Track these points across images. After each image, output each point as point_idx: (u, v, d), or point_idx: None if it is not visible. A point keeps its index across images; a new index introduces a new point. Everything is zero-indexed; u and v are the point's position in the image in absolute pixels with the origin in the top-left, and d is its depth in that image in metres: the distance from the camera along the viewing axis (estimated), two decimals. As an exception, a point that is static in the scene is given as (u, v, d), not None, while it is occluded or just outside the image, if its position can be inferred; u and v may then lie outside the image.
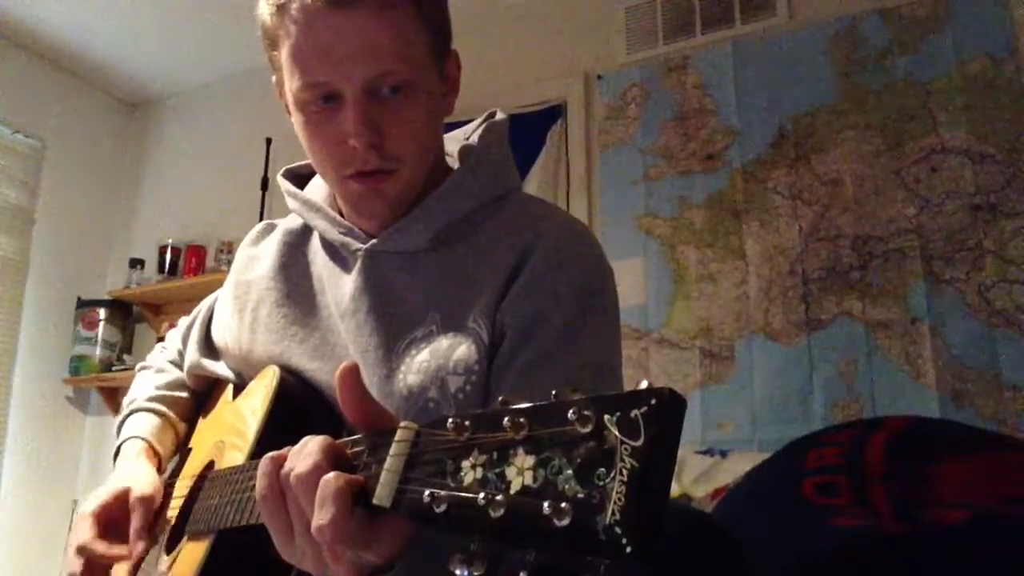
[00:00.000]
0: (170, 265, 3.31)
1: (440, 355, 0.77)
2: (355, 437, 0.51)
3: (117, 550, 0.82)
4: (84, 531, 0.83)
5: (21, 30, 3.18)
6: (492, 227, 0.84)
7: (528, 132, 2.69)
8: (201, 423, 1.01)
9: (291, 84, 0.78)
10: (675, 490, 1.94)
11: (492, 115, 0.93)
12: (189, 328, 1.07)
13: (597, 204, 2.59)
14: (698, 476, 1.94)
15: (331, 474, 0.47)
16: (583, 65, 2.74)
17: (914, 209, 2.16)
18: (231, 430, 0.84)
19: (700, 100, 2.52)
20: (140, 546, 0.82)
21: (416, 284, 0.82)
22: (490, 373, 0.76)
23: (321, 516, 0.46)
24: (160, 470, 0.97)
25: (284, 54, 0.77)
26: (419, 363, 0.77)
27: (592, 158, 2.65)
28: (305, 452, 0.50)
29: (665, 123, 2.55)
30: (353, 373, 0.52)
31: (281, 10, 0.76)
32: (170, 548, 0.83)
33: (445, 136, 0.92)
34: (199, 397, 1.04)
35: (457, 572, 0.38)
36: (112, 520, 0.85)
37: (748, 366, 2.25)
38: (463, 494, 0.38)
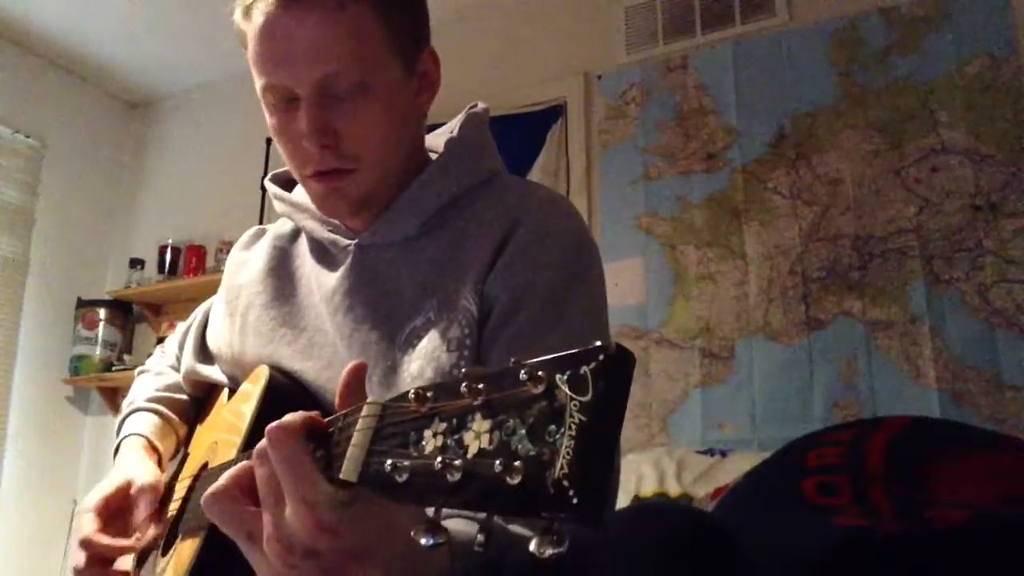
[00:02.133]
0: (170, 265, 3.31)
1: (436, 337, 0.78)
2: (328, 418, 0.51)
3: (121, 542, 0.82)
4: (87, 525, 0.83)
5: (21, 30, 3.18)
6: (479, 208, 0.85)
7: (528, 132, 2.69)
8: (199, 428, 1.01)
9: (256, 86, 0.79)
10: (675, 490, 1.93)
11: (473, 106, 0.95)
12: (185, 334, 1.08)
13: (597, 204, 2.59)
14: (698, 476, 1.94)
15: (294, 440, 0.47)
16: (583, 65, 2.73)
17: (914, 209, 2.16)
18: (225, 431, 0.85)
19: (700, 100, 2.52)
20: (150, 533, 0.83)
21: (410, 273, 0.83)
22: (481, 346, 0.77)
23: (294, 484, 0.46)
24: (160, 468, 0.97)
25: (248, 56, 0.79)
26: (419, 349, 0.78)
27: (592, 158, 2.65)
28: (278, 426, 0.49)
29: (665, 123, 2.55)
30: (359, 372, 0.51)
31: (244, 13, 0.78)
32: (167, 549, 0.83)
33: (432, 133, 0.93)
34: (197, 402, 1.05)
35: (422, 541, 0.38)
36: (115, 513, 0.85)
37: (748, 366, 2.25)
38: (423, 462, 0.38)
